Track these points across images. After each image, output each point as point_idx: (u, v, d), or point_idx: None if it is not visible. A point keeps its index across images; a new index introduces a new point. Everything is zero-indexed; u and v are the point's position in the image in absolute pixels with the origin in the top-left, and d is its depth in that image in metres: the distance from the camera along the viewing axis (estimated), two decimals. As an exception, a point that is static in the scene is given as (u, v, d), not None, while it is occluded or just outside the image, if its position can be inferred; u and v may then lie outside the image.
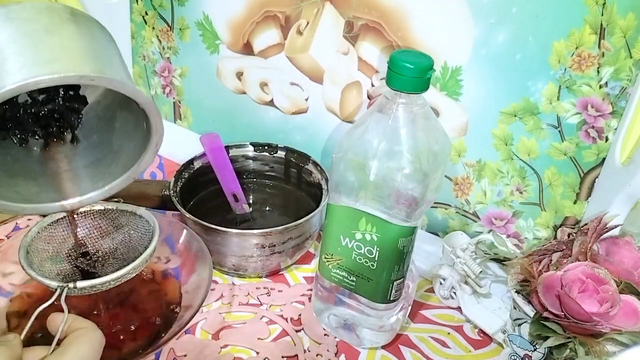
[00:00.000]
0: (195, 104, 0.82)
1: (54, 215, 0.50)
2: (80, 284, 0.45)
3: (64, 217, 0.50)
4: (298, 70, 0.69)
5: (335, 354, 0.55)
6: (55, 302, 0.43)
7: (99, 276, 0.46)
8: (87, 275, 0.50)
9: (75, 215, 0.51)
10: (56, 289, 0.44)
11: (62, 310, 0.41)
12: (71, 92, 0.46)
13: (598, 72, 0.53)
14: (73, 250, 0.51)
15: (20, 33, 0.37)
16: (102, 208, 0.52)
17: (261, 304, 0.60)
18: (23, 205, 0.45)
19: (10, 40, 0.37)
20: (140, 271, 0.49)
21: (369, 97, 0.66)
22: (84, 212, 0.51)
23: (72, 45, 0.38)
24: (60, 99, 0.46)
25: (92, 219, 0.52)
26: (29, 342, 0.40)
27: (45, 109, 0.46)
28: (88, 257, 0.51)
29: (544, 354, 0.51)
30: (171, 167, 0.77)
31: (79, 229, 0.51)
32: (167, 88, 0.83)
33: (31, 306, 0.54)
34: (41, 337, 0.44)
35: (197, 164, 0.69)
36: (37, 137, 0.47)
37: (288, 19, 0.67)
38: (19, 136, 0.46)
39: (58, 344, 0.39)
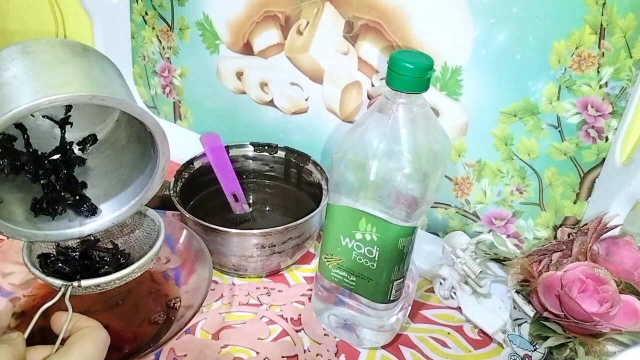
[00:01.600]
0: (195, 104, 0.82)
1: None
2: (85, 282, 0.45)
3: None
4: (298, 70, 0.69)
5: (335, 354, 0.55)
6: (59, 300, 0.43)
7: (104, 275, 0.46)
8: (91, 274, 0.50)
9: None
10: (60, 288, 0.44)
11: (66, 309, 0.41)
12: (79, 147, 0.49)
13: (598, 72, 0.53)
14: (77, 249, 0.51)
15: (35, 63, 0.40)
16: None
17: (261, 304, 0.60)
18: (34, 232, 0.46)
19: (26, 70, 0.40)
20: (145, 270, 0.49)
21: (369, 97, 0.66)
22: None
23: (84, 74, 0.41)
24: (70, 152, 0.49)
25: None
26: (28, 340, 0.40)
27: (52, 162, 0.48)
28: (93, 256, 0.51)
29: (544, 354, 0.51)
30: (171, 167, 0.77)
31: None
32: (167, 88, 0.83)
33: (31, 307, 0.54)
34: (41, 335, 0.45)
35: (197, 164, 0.69)
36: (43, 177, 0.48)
37: (288, 19, 0.67)
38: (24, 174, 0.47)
39: (62, 343, 0.39)
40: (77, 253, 0.50)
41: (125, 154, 0.50)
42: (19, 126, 0.46)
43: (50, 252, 0.49)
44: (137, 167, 0.49)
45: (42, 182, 0.47)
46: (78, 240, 0.51)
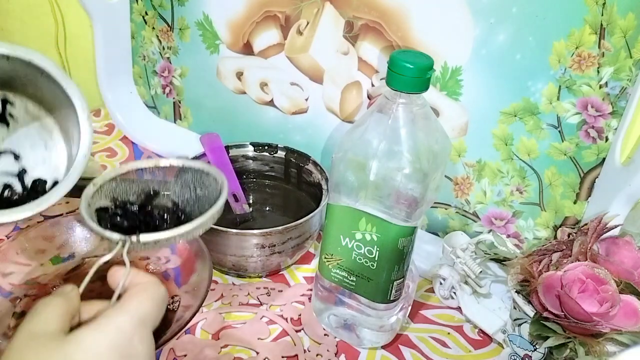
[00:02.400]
0: (195, 104, 0.82)
1: (118, 170, 0.48)
2: (144, 237, 0.42)
3: (128, 172, 0.48)
4: (298, 70, 0.69)
5: (335, 354, 0.55)
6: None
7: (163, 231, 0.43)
8: (150, 230, 0.48)
9: (138, 171, 0.49)
10: (118, 242, 0.41)
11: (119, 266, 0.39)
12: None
13: (598, 72, 0.53)
14: (136, 205, 0.48)
15: None
16: (168, 165, 0.49)
17: (261, 304, 0.60)
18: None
19: None
20: (206, 229, 0.45)
21: (369, 97, 0.66)
22: (148, 168, 0.49)
23: None
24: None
25: (156, 174, 0.49)
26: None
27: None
28: (152, 211, 0.49)
29: (544, 354, 0.51)
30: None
31: (142, 186, 0.49)
32: (167, 88, 0.83)
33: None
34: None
35: (197, 164, 0.69)
36: None
37: (288, 19, 0.67)
38: None
39: (118, 298, 0.37)
40: (136, 207, 0.48)
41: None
42: None
43: (109, 205, 0.46)
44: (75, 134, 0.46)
45: None
46: (137, 193, 0.48)
